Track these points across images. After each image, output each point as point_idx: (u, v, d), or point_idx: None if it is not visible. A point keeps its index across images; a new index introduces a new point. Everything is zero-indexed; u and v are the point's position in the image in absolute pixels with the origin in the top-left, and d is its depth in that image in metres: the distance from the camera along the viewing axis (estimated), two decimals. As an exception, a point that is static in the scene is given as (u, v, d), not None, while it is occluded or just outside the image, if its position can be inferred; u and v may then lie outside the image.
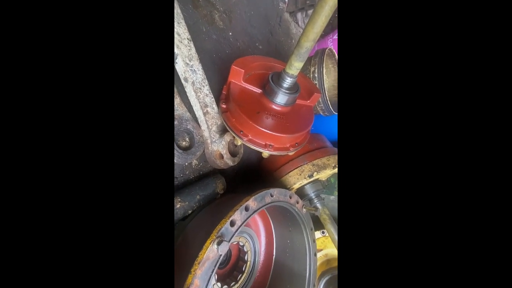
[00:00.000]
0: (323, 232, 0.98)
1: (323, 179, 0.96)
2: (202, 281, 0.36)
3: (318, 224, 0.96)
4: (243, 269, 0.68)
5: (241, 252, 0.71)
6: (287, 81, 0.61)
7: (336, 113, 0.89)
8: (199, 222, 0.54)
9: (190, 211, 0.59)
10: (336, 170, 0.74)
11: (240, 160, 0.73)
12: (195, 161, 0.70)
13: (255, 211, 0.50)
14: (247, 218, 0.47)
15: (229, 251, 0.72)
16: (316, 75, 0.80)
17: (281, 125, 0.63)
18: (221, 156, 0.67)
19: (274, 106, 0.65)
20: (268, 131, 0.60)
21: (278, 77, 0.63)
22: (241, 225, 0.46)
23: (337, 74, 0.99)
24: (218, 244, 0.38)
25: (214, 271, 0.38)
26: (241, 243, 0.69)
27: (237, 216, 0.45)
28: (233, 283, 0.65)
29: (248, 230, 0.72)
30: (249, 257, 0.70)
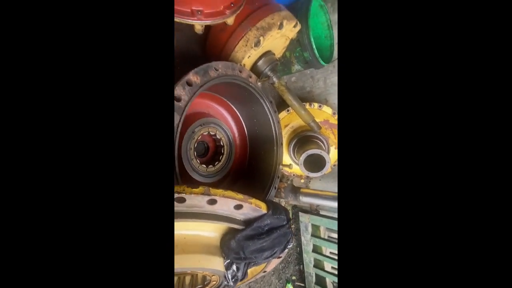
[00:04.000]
0: (287, 110, 1.08)
1: (278, 55, 0.91)
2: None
3: (283, 106, 1.04)
4: (222, 151, 0.79)
5: (216, 140, 0.79)
6: None
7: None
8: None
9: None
10: (283, 30, 0.67)
11: (175, 49, 0.61)
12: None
13: (201, 86, 0.48)
14: (193, 94, 0.46)
15: (205, 143, 0.80)
16: None
17: (201, -25, 0.47)
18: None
19: None
20: (186, -13, 0.46)
21: None
22: (188, 100, 0.45)
23: None
24: (167, 116, 0.38)
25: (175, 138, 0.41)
26: (212, 133, 0.74)
27: (180, 91, 0.43)
28: (217, 162, 0.77)
29: (215, 120, 0.76)
30: (223, 142, 0.78)
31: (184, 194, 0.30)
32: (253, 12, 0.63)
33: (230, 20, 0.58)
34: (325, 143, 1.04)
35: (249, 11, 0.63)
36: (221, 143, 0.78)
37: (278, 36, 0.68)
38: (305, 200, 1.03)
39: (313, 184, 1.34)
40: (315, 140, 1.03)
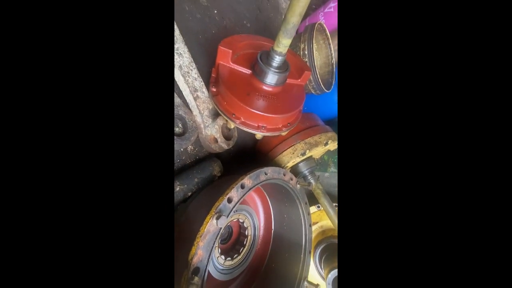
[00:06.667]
0: (318, 207, 1.04)
1: (317, 157, 1.00)
2: (205, 251, 0.40)
3: (314, 200, 1.02)
4: (244, 242, 0.74)
5: (241, 228, 0.76)
6: (276, 60, 0.60)
7: (328, 91, 0.89)
8: (200, 202, 0.57)
9: (189, 193, 0.62)
10: (327, 147, 0.77)
11: (234, 143, 0.75)
12: (190, 146, 0.72)
13: (250, 188, 0.53)
14: (243, 195, 0.50)
15: (230, 227, 0.78)
16: (306, 52, 0.79)
17: (272, 106, 0.64)
18: (216, 140, 0.68)
19: (264, 87, 0.65)
20: (260, 113, 0.61)
21: (266, 56, 0.62)
22: (238, 201, 0.49)
23: (328, 51, 0.96)
24: (217, 218, 0.41)
25: (216, 242, 0.42)
26: (241, 220, 0.74)
27: (234, 193, 0.48)
28: (236, 255, 0.71)
29: (247, 208, 0.76)
30: (249, 232, 0.75)
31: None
32: (305, 129, 0.76)
33: (284, 133, 0.71)
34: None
35: (301, 128, 0.77)
36: (246, 233, 0.75)
37: (322, 151, 0.78)
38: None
39: (338, 310, 1.04)
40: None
